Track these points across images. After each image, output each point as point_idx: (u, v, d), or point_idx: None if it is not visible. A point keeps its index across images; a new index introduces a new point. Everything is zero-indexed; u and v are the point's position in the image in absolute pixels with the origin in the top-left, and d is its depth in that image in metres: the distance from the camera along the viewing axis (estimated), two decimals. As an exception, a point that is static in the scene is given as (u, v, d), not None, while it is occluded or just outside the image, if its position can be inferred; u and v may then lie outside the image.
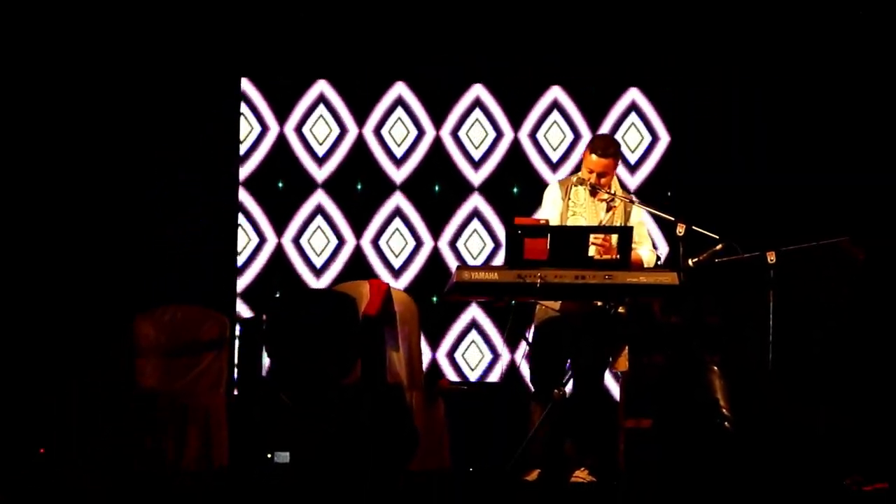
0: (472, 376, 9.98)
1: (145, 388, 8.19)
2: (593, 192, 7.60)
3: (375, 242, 10.00)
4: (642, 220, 7.78)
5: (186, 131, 9.81)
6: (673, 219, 7.55)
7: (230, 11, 9.80)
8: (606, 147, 7.62)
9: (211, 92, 9.86)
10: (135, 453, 7.95)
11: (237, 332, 8.50)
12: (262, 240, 9.97)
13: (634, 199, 7.87)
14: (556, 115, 10.04)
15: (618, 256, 7.28)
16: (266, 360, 8.30)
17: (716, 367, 7.60)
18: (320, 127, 10.02)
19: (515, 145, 10.04)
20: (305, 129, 10.01)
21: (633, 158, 10.02)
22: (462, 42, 9.93)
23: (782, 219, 9.66)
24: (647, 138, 10.04)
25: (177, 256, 9.78)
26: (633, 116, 10.05)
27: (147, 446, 7.98)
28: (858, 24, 9.86)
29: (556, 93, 10.04)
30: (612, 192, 7.64)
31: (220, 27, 9.80)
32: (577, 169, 7.80)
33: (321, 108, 10.05)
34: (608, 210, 7.66)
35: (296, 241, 9.98)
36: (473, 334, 9.98)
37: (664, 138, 10.05)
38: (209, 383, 8.25)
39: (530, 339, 7.68)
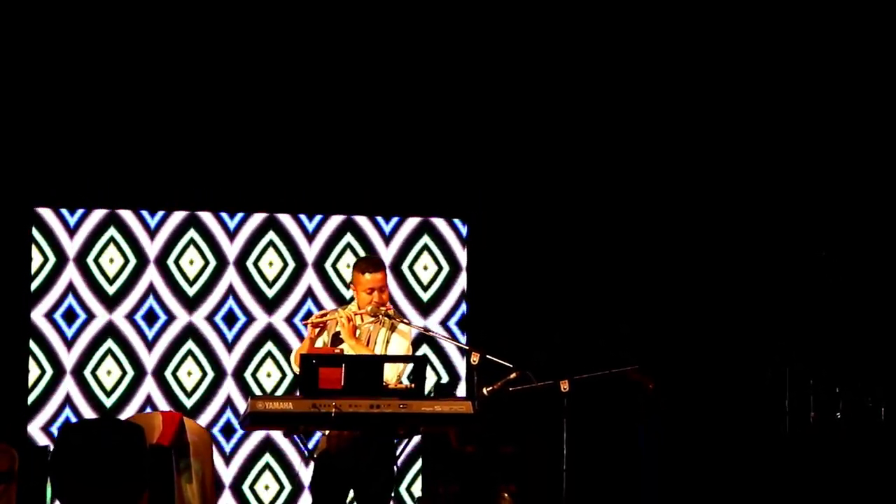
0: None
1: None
2: (375, 313, 7.59)
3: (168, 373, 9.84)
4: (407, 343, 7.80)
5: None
6: (468, 347, 7.59)
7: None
8: (377, 263, 7.70)
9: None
10: None
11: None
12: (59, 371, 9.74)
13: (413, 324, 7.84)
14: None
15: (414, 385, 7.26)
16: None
17: (509, 496, 7.63)
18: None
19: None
20: (97, 260, 9.83)
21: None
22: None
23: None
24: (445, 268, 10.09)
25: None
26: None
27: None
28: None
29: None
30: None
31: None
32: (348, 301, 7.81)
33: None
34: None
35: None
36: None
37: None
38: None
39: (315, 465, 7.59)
